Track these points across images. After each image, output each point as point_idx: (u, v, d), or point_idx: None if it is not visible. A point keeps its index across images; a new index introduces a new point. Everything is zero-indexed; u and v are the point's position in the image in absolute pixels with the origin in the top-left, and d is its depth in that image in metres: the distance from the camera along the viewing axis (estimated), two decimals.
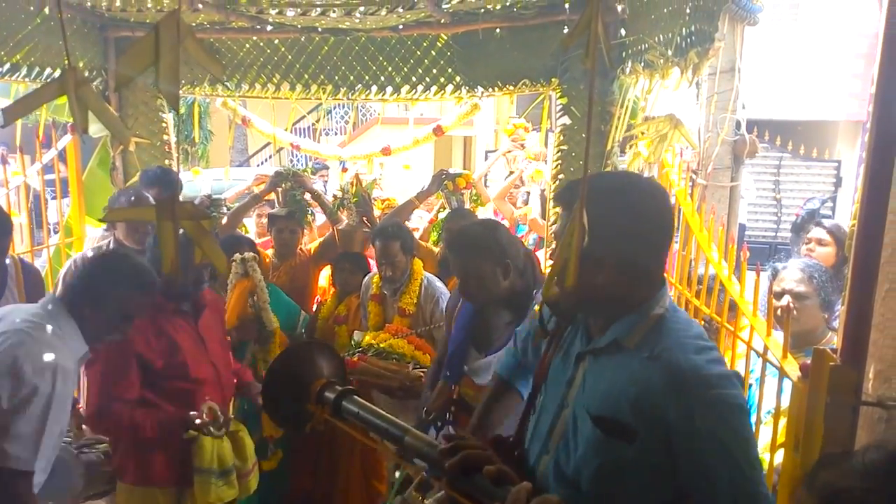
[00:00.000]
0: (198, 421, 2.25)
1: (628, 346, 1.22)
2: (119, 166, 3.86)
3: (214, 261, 0.98)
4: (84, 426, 2.78)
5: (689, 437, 1.15)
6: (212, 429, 2.27)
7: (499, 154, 5.12)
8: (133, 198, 2.84)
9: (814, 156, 10.14)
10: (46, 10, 3.43)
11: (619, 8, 3.30)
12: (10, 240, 2.44)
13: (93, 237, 3.38)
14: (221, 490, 2.40)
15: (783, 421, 1.72)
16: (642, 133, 2.80)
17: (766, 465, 1.88)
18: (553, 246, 3.53)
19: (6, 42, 3.29)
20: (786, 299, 2.30)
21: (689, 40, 2.30)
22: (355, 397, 1.55)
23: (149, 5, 3.43)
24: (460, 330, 2.27)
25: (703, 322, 2.45)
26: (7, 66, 3.34)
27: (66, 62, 0.87)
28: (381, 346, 2.76)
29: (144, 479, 2.37)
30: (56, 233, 4.06)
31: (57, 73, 3.61)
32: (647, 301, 1.25)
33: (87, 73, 3.72)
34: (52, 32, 3.51)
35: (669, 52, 2.45)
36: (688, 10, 2.27)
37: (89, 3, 3.53)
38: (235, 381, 2.65)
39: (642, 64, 2.77)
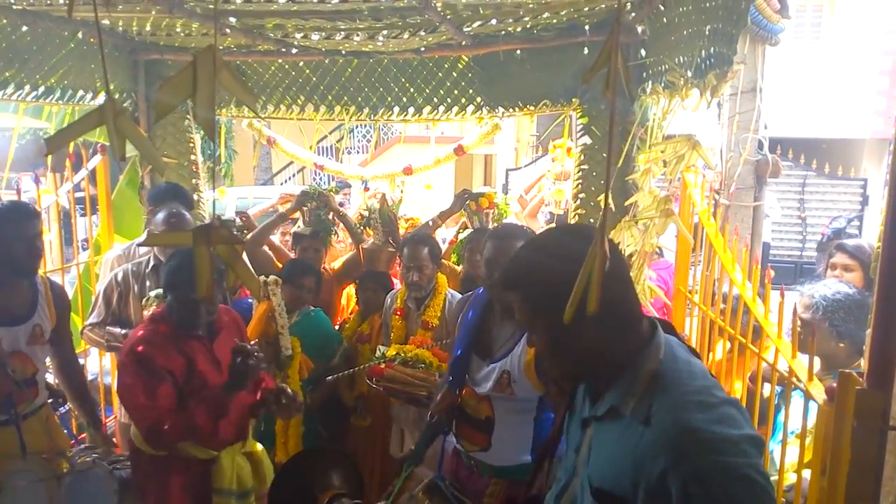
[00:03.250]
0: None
1: (625, 412, 1.12)
2: (147, 185, 3.95)
3: (247, 284, 1.01)
4: (114, 441, 2.83)
5: None
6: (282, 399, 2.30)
7: (541, 174, 5.08)
8: (173, 219, 2.90)
9: (839, 174, 10.03)
10: (80, 34, 3.55)
11: (640, 29, 3.33)
12: (38, 232, 2.46)
13: (108, 258, 3.42)
14: None
15: (809, 439, 1.70)
16: (660, 153, 2.81)
17: (790, 482, 1.87)
18: None
19: (41, 66, 3.40)
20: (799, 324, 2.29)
21: (708, 62, 2.31)
22: None
23: (178, 30, 3.53)
24: (464, 336, 2.28)
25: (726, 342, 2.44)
26: (42, 89, 3.45)
27: (106, 94, 0.91)
28: (408, 355, 2.77)
29: (163, 500, 2.39)
30: (85, 250, 4.15)
31: (89, 96, 3.72)
32: (637, 357, 1.14)
33: (117, 95, 3.83)
34: (85, 57, 3.62)
35: (689, 74, 2.47)
36: (707, 33, 2.28)
37: (121, 28, 3.64)
38: (259, 395, 2.64)
39: (662, 84, 2.78)
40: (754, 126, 3.24)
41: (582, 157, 3.56)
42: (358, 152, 12.92)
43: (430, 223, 3.74)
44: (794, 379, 1.83)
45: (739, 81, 3.18)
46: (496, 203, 3.75)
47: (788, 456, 1.88)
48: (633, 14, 3.27)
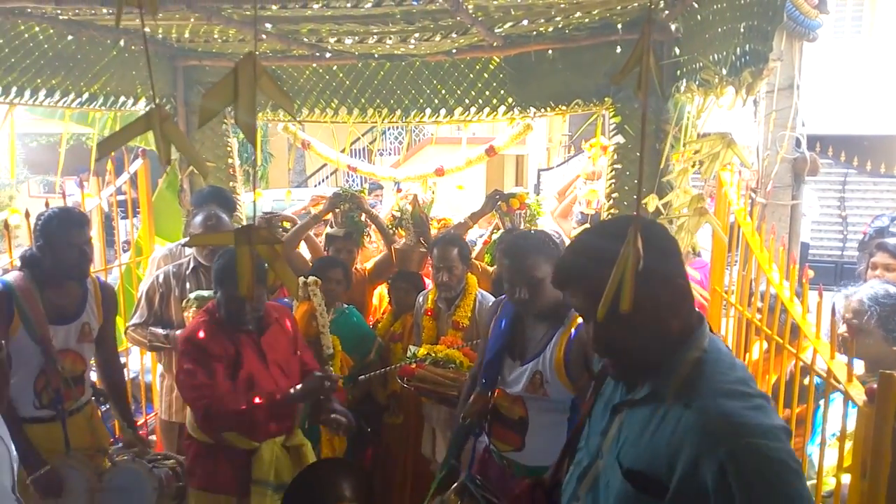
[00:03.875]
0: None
1: (665, 397, 1.15)
2: (186, 188, 4.04)
3: (286, 283, 1.04)
4: (150, 438, 2.91)
5: (723, 495, 1.03)
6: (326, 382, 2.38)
7: (576, 175, 5.05)
8: (210, 222, 2.97)
9: (881, 171, 9.75)
10: (122, 42, 3.66)
11: (674, 27, 3.30)
12: (87, 238, 2.55)
13: (154, 257, 3.53)
14: (276, 503, 2.47)
15: (849, 444, 1.67)
16: (695, 152, 2.78)
17: (829, 487, 1.84)
18: None
19: (85, 73, 3.52)
20: (844, 328, 2.24)
21: (743, 60, 2.28)
22: None
23: (215, 36, 3.61)
24: (498, 338, 2.29)
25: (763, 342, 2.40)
26: (86, 95, 3.56)
27: (153, 100, 0.95)
28: (439, 355, 2.79)
29: (209, 484, 2.50)
30: (126, 251, 4.27)
31: (130, 102, 3.83)
32: (683, 345, 1.18)
33: (159, 101, 3.92)
34: (126, 64, 3.73)
35: (724, 71, 2.44)
36: (742, 30, 2.26)
37: (160, 35, 3.74)
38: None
39: (697, 83, 2.76)
40: (791, 123, 3.19)
41: (615, 157, 3.54)
42: (389, 154, 13.00)
43: (462, 224, 3.75)
44: (832, 380, 1.80)
45: (776, 78, 3.13)
46: (528, 204, 3.74)
47: (827, 459, 1.85)
48: (667, 12, 3.24)
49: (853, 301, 2.28)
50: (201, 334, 2.44)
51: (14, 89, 3.16)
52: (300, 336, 2.76)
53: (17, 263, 2.55)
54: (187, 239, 3.54)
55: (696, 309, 1.24)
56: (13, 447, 1.89)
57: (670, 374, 1.16)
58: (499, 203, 3.71)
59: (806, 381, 2.03)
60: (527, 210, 3.73)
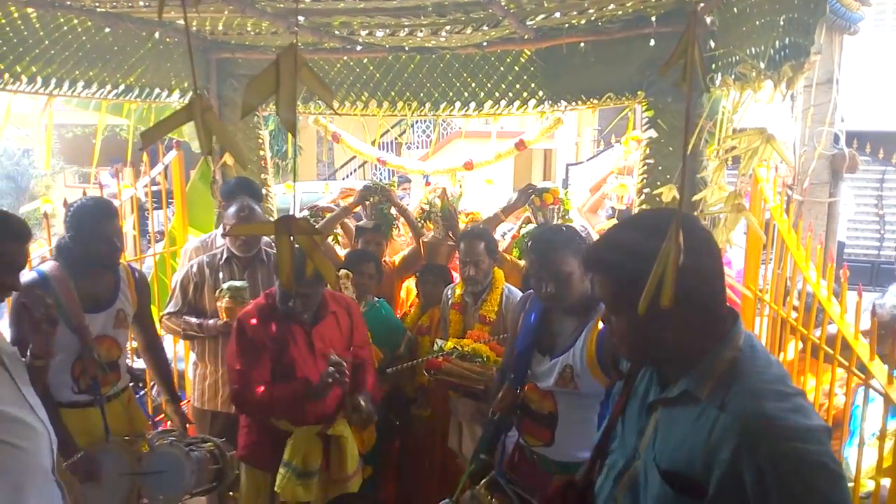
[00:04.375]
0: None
1: (699, 397, 1.13)
2: (219, 180, 4.09)
3: (324, 274, 1.05)
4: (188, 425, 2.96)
5: (762, 498, 1.02)
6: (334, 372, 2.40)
7: (608, 170, 5.00)
8: (243, 213, 3.01)
9: None
10: (157, 35, 3.71)
11: (709, 20, 3.24)
12: (117, 229, 2.61)
13: (187, 248, 3.58)
14: (297, 489, 2.50)
15: (889, 443, 1.64)
16: (732, 148, 2.73)
17: (867, 489, 1.80)
18: None
19: (121, 65, 3.57)
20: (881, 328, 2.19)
21: (782, 53, 2.23)
22: None
23: (248, 28, 3.64)
24: (527, 334, 2.29)
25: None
26: (122, 87, 3.62)
27: (194, 91, 0.96)
28: (466, 349, 2.79)
29: (250, 457, 2.63)
30: (159, 241, 4.34)
31: (164, 94, 3.88)
32: (718, 343, 1.15)
33: (190, 93, 3.98)
34: (161, 56, 3.78)
35: (762, 65, 2.39)
36: (782, 23, 2.21)
37: (195, 27, 3.78)
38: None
39: (733, 76, 2.71)
40: (830, 119, 3.11)
41: (647, 151, 3.49)
42: (417, 147, 13.02)
43: (494, 217, 3.74)
44: (872, 382, 1.76)
45: (814, 73, 3.06)
46: (561, 199, 3.71)
47: (865, 460, 1.82)
48: (702, 4, 3.18)
49: (891, 296, 2.24)
50: (253, 319, 2.54)
51: (53, 81, 3.23)
52: (363, 331, 2.79)
53: (54, 253, 2.61)
54: (219, 230, 3.58)
55: (729, 307, 1.22)
56: (52, 430, 1.94)
57: (705, 374, 1.14)
58: (532, 197, 3.68)
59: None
60: (560, 205, 3.69)
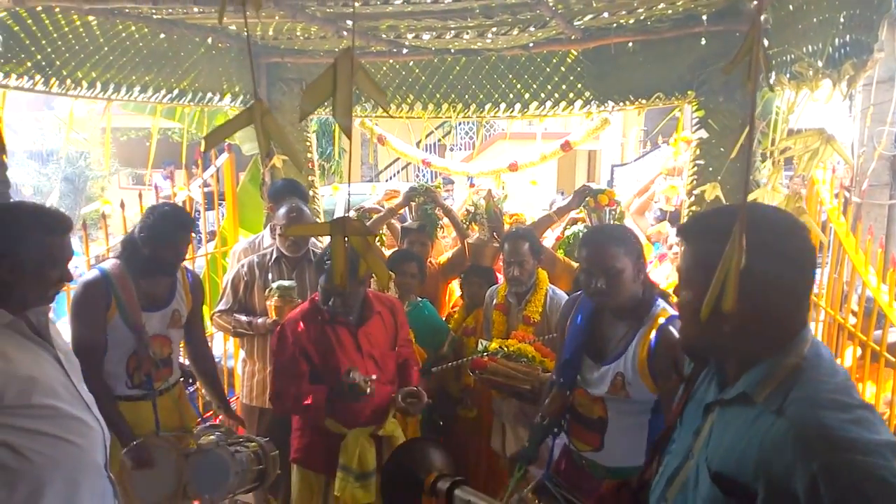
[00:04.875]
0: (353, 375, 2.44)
1: (757, 400, 1.10)
2: (268, 182, 4.17)
3: (377, 274, 1.06)
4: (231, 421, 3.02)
5: None
6: (357, 379, 2.41)
7: (657, 172, 4.92)
8: (293, 214, 3.07)
9: None
10: (209, 40, 3.81)
11: (762, 18, 3.17)
12: (188, 240, 2.71)
13: (235, 250, 3.66)
14: (356, 491, 2.52)
15: None
16: (789, 148, 2.67)
17: None
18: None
19: (175, 70, 3.68)
20: None
21: (843, 51, 2.17)
22: (466, 487, 1.69)
23: (298, 33, 3.70)
24: (575, 338, 2.25)
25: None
26: (175, 91, 3.73)
27: (255, 96, 0.98)
28: (511, 349, 2.78)
29: (304, 459, 2.67)
30: (210, 242, 4.45)
31: (216, 98, 3.98)
32: (781, 349, 1.12)
33: (241, 97, 4.07)
34: (213, 61, 3.88)
35: (820, 64, 2.33)
36: (842, 20, 2.15)
37: (246, 33, 3.87)
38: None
39: (788, 75, 2.64)
40: (890, 118, 3.01)
41: (697, 152, 3.43)
42: (460, 149, 13.04)
43: (546, 219, 3.70)
44: None
45: (875, 71, 2.96)
46: (617, 201, 3.64)
47: None
48: (755, 2, 3.11)
49: None
50: (299, 319, 2.58)
51: (112, 86, 3.34)
52: (406, 330, 2.81)
53: (118, 248, 2.69)
54: (266, 231, 3.64)
55: (805, 313, 1.18)
56: (106, 427, 2.01)
57: (764, 377, 1.12)
58: (587, 199, 3.63)
59: None
60: (616, 207, 3.63)
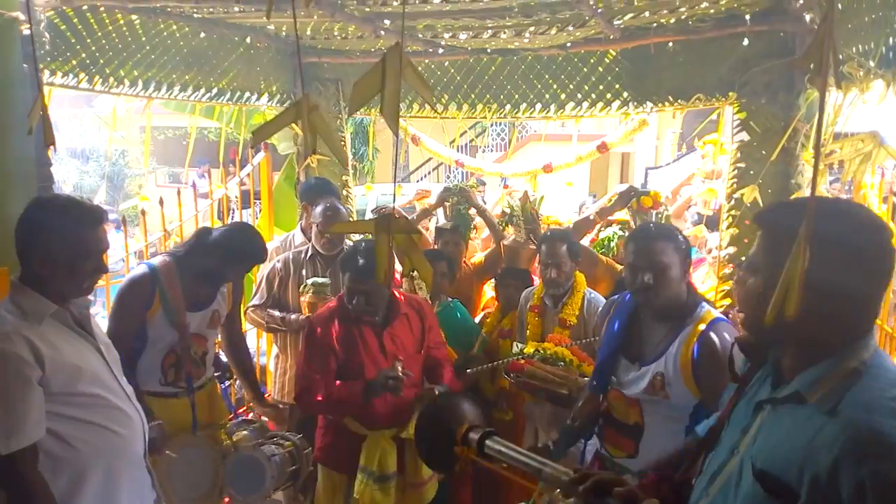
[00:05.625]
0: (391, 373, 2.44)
1: (810, 400, 1.08)
2: (303, 181, 4.19)
3: (421, 273, 1.05)
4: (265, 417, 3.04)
5: None
6: (389, 379, 2.41)
7: (689, 174, 4.84)
8: (329, 212, 3.09)
9: None
10: (248, 40, 3.85)
11: (808, 17, 3.09)
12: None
13: (268, 248, 3.68)
14: (375, 493, 2.52)
15: None
16: (831, 152, 2.59)
17: None
18: (725, 270, 3.35)
19: (214, 70, 3.72)
20: None
21: None
22: (496, 437, 1.72)
23: (335, 33, 3.72)
24: (612, 339, 2.22)
25: None
26: (214, 90, 3.77)
27: (303, 92, 0.98)
28: (548, 353, 2.75)
29: (326, 459, 2.67)
30: None
31: (254, 98, 4.02)
32: (842, 352, 1.09)
33: (278, 97, 4.10)
34: (251, 60, 3.91)
35: (872, 64, 2.25)
36: None
37: (284, 33, 3.90)
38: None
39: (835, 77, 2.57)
40: None
41: (738, 155, 3.35)
42: (492, 150, 13.00)
43: (587, 221, 3.66)
44: None
45: None
46: (663, 203, 3.57)
47: None
48: (801, 1, 3.03)
49: None
50: (325, 319, 2.58)
51: (153, 84, 3.39)
52: (436, 333, 2.80)
53: (171, 248, 2.70)
54: (297, 230, 3.65)
55: (872, 318, 1.14)
56: (145, 418, 2.03)
57: (820, 378, 1.09)
58: (631, 201, 3.57)
59: None
60: (662, 209, 3.56)
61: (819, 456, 1.02)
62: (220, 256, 2.52)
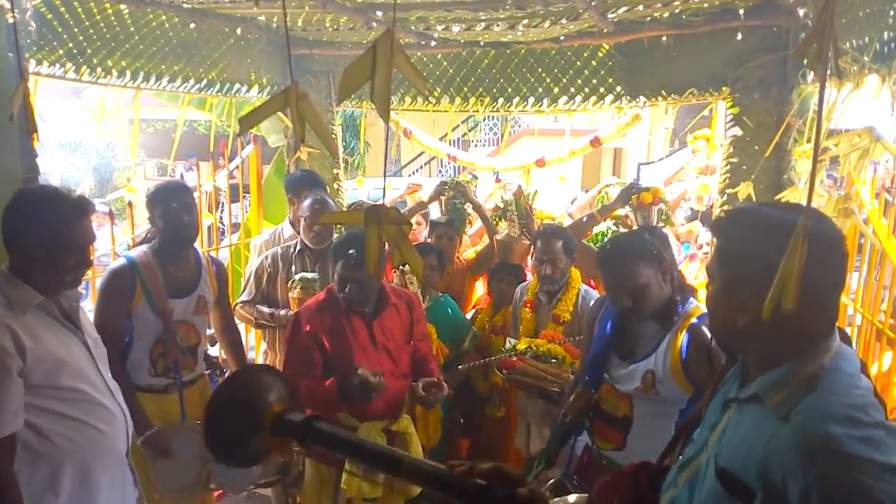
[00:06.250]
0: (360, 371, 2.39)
1: (767, 403, 1.08)
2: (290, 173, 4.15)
3: (411, 264, 1.03)
4: None
5: None
6: (367, 377, 2.37)
7: (678, 168, 4.82)
8: (317, 205, 3.06)
9: None
10: (238, 31, 3.80)
11: (801, 12, 3.08)
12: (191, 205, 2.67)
13: (256, 242, 3.65)
14: (362, 485, 2.49)
15: None
16: (825, 149, 2.58)
17: None
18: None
19: (204, 61, 3.67)
20: None
21: (891, 46, 2.10)
22: (323, 421, 1.26)
23: (327, 25, 3.68)
24: (603, 335, 2.22)
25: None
26: (204, 82, 3.72)
27: (291, 79, 0.95)
28: (541, 349, 2.74)
29: (311, 452, 2.60)
30: (233, 233, 4.46)
31: (244, 89, 3.97)
32: (801, 355, 1.09)
33: (268, 88, 4.06)
34: (241, 52, 3.87)
35: (866, 59, 2.25)
36: (892, 13, 2.07)
37: (275, 24, 3.85)
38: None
39: (829, 72, 2.56)
40: None
41: (731, 150, 3.35)
42: (484, 145, 12.97)
43: (590, 219, 3.63)
44: None
45: None
46: (662, 199, 3.55)
47: None
48: None
49: None
50: (315, 309, 2.56)
51: (141, 75, 3.34)
52: (423, 326, 2.77)
53: (146, 237, 2.69)
54: (285, 223, 3.62)
55: (830, 321, 1.12)
56: (129, 416, 2.01)
57: (778, 382, 1.09)
58: (631, 197, 3.52)
59: None
60: (662, 205, 3.52)
61: (772, 459, 1.02)
62: (153, 217, 2.56)
